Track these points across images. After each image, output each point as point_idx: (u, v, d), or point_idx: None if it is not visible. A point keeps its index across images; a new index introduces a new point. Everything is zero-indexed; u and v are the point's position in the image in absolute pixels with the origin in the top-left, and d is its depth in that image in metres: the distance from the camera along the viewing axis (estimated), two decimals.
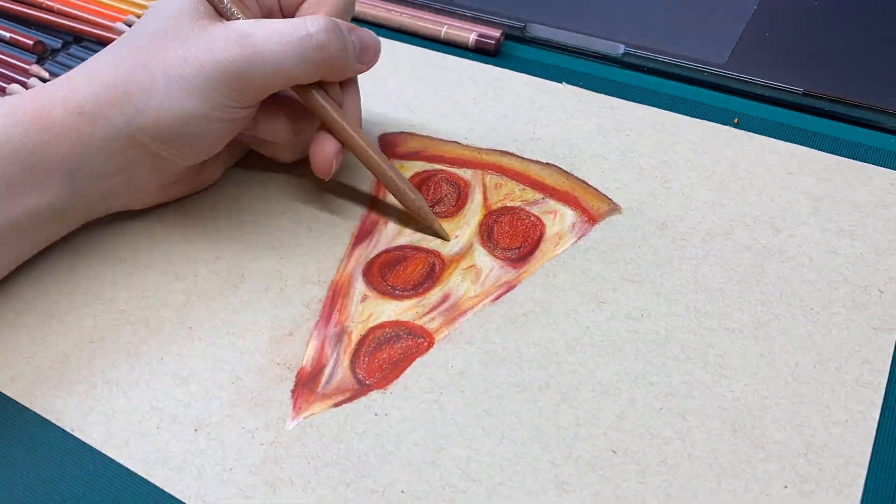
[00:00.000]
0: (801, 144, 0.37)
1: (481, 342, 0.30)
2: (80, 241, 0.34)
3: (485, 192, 0.36)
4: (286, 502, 0.26)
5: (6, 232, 0.30)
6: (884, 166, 0.36)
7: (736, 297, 0.31)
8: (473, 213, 0.35)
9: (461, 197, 0.36)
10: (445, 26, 0.45)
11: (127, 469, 0.27)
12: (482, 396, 0.28)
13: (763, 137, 0.38)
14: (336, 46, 0.30)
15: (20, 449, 0.28)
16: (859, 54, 0.42)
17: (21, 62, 0.44)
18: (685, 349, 0.29)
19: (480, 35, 0.44)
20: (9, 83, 0.42)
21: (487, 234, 0.34)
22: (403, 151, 0.38)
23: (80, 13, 0.46)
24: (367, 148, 0.33)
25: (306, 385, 0.29)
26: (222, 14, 0.31)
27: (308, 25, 0.30)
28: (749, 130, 0.38)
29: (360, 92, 0.35)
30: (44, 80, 0.43)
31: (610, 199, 0.35)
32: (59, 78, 0.31)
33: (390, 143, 0.39)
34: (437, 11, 0.47)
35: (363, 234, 0.35)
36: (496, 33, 0.44)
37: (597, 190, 0.36)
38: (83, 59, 0.44)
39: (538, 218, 0.35)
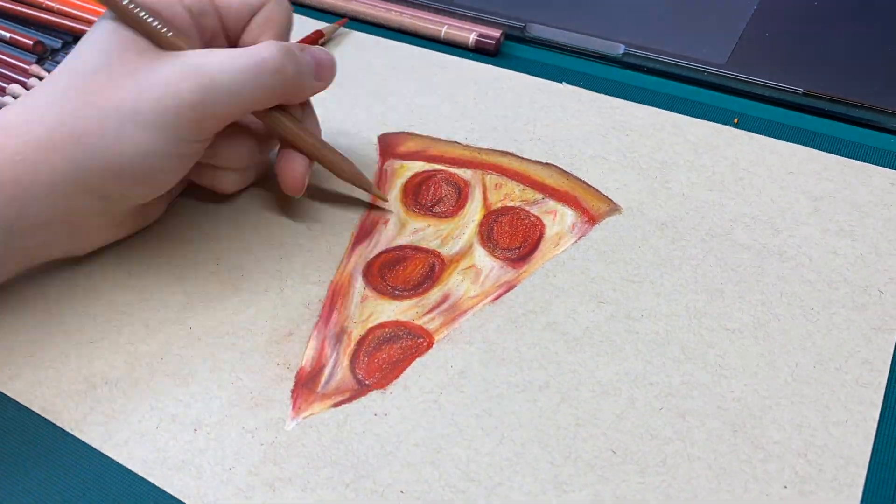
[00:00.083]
0: (801, 144, 0.37)
1: (481, 342, 0.30)
2: None
3: (485, 192, 0.36)
4: (286, 502, 0.26)
5: None
6: (884, 166, 0.36)
7: (736, 297, 0.31)
8: (473, 213, 0.35)
9: (461, 197, 0.36)
10: (445, 26, 0.45)
11: (127, 469, 0.27)
12: (482, 396, 0.28)
13: (763, 137, 0.38)
14: (292, 69, 0.30)
15: (20, 449, 0.28)
16: (859, 54, 0.42)
17: (21, 62, 0.44)
18: (685, 349, 0.29)
19: (480, 35, 0.44)
20: (9, 83, 0.42)
21: (487, 234, 0.34)
22: (403, 151, 0.38)
23: (79, 13, 0.46)
24: (337, 159, 0.34)
25: (306, 385, 0.29)
26: (165, 46, 0.30)
27: (261, 51, 0.29)
28: (749, 130, 0.38)
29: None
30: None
31: (610, 199, 0.35)
32: None
33: (390, 143, 0.39)
34: (437, 11, 0.47)
35: (363, 234, 0.35)
36: (496, 33, 0.44)
37: (597, 190, 0.36)
38: None
39: (538, 218, 0.35)
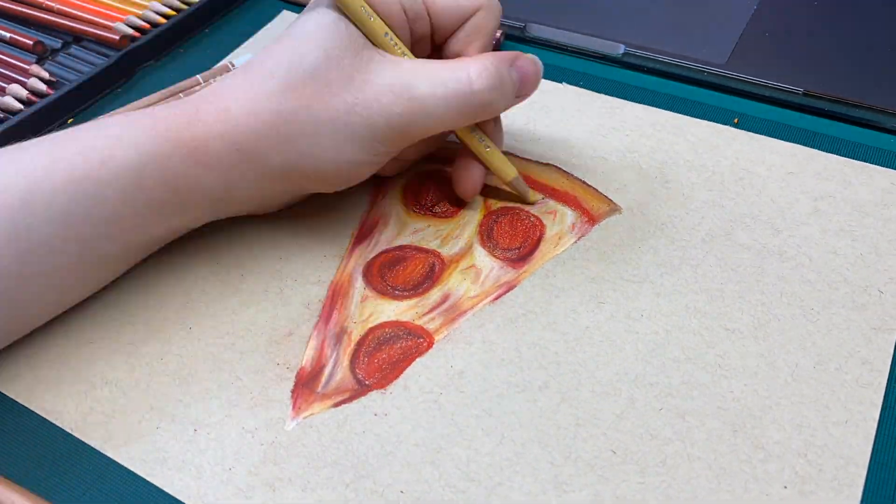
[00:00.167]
0: (801, 144, 0.37)
1: (481, 342, 0.30)
2: None
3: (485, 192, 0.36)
4: (286, 502, 0.26)
5: (145, 244, 0.32)
6: (884, 166, 0.36)
7: (736, 298, 0.31)
8: (473, 214, 0.35)
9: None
10: None
11: (127, 469, 0.27)
12: (482, 396, 0.28)
13: (763, 137, 0.38)
14: (499, 98, 0.31)
15: (20, 449, 0.28)
16: (859, 54, 0.42)
17: (21, 62, 0.44)
18: (685, 349, 0.29)
19: None
20: (9, 83, 0.42)
21: (487, 234, 0.34)
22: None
23: (80, 13, 0.46)
24: (512, 175, 0.34)
25: (306, 385, 0.29)
26: (379, 44, 0.30)
27: (473, 81, 0.30)
28: (749, 130, 0.38)
29: None
30: (43, 80, 0.43)
31: (610, 200, 0.35)
32: (211, 106, 0.30)
33: None
34: None
35: (363, 234, 0.35)
36: (496, 33, 0.44)
37: (597, 190, 0.36)
38: (83, 59, 0.44)
39: (538, 218, 0.35)
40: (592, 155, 0.37)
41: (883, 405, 0.27)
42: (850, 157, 0.36)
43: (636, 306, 0.31)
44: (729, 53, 0.42)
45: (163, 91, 0.41)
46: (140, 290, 0.33)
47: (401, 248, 0.34)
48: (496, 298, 0.32)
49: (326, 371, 0.29)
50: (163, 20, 0.46)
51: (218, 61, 0.44)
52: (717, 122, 0.39)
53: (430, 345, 0.30)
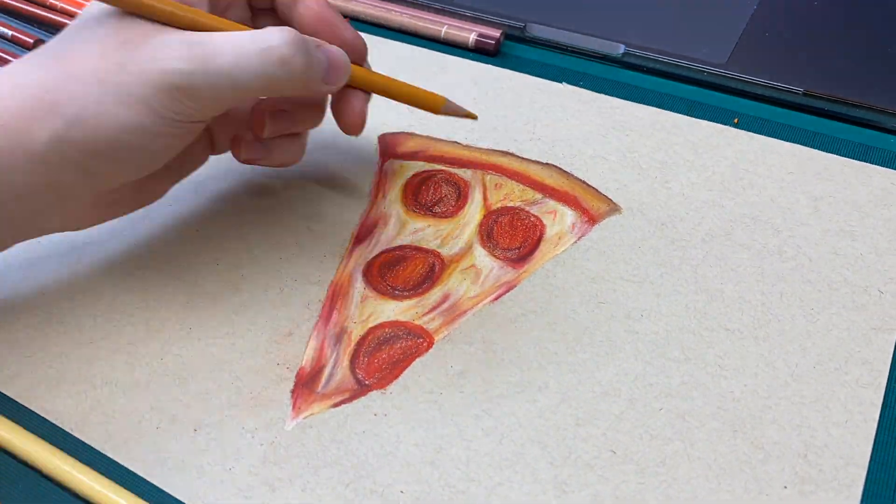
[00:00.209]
0: (801, 144, 0.37)
1: (481, 342, 0.30)
2: (79, 242, 0.34)
3: (485, 192, 0.36)
4: (286, 502, 0.26)
5: None
6: (884, 166, 0.36)
7: (736, 298, 0.31)
8: (473, 214, 0.35)
9: (461, 197, 0.36)
10: (445, 26, 0.45)
11: (127, 469, 0.27)
12: (482, 397, 0.28)
13: (763, 137, 0.38)
14: (300, 62, 0.28)
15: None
16: (859, 54, 0.42)
17: None
18: (685, 349, 0.29)
19: (480, 35, 0.44)
20: None
21: (487, 234, 0.34)
22: (403, 151, 0.38)
23: (80, 12, 0.46)
24: (396, 83, 0.33)
25: (306, 385, 0.29)
26: (175, 23, 0.28)
27: (270, 38, 0.27)
28: (749, 130, 0.38)
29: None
30: None
31: (610, 200, 0.35)
32: None
33: (390, 144, 0.39)
34: (437, 11, 0.47)
35: (363, 234, 0.35)
36: (496, 33, 0.44)
37: (597, 190, 0.36)
38: None
39: (538, 218, 0.35)
40: (592, 155, 0.37)
41: (883, 405, 0.27)
42: (850, 157, 0.36)
43: (636, 306, 0.31)
44: (729, 53, 0.42)
45: None
46: (140, 290, 0.33)
47: (401, 248, 0.34)
48: (496, 298, 0.32)
49: (326, 371, 0.29)
50: None
51: None
52: (717, 122, 0.39)
53: (430, 345, 0.30)
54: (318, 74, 0.29)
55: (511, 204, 0.35)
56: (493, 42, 0.44)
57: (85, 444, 0.28)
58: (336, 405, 0.28)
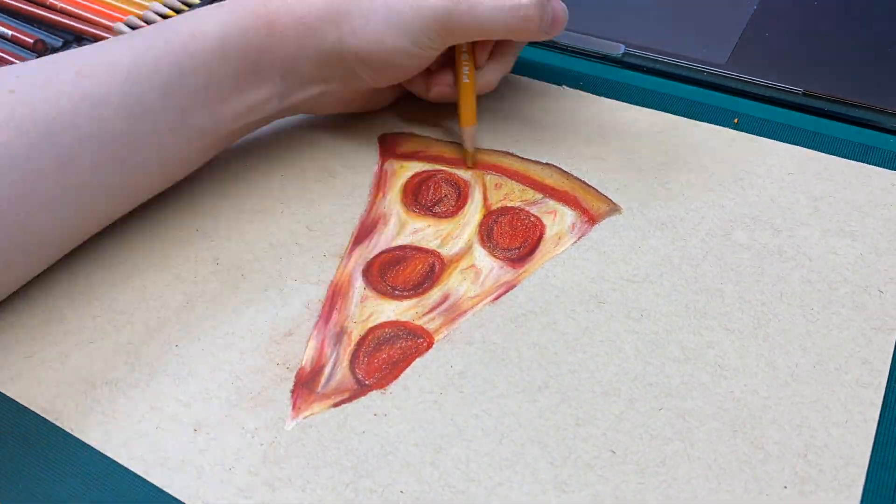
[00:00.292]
0: (801, 145, 0.37)
1: (481, 342, 0.30)
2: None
3: (485, 192, 0.36)
4: (285, 502, 0.26)
5: (232, 123, 0.35)
6: (884, 166, 0.36)
7: (736, 298, 0.31)
8: (473, 214, 0.35)
9: (461, 197, 0.36)
10: None
11: (127, 469, 0.27)
12: (482, 397, 0.28)
13: (763, 138, 0.38)
14: (537, 19, 0.34)
15: (20, 449, 0.28)
16: (859, 54, 0.42)
17: (20, 60, 0.44)
18: (685, 349, 0.29)
19: None
20: None
21: (487, 234, 0.34)
22: (403, 151, 0.38)
23: (82, 12, 0.46)
24: (469, 124, 0.37)
25: (306, 385, 0.29)
26: None
27: None
28: (749, 131, 0.38)
29: None
30: None
31: (610, 200, 0.35)
32: None
33: (390, 144, 0.39)
34: None
35: (363, 234, 0.35)
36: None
37: (597, 190, 0.36)
38: None
39: (538, 218, 0.35)
40: (592, 155, 0.37)
41: (883, 405, 0.27)
42: (850, 158, 0.36)
43: (636, 306, 0.31)
44: (729, 53, 0.42)
45: None
46: (140, 290, 0.33)
47: (401, 248, 0.34)
48: (496, 298, 0.32)
49: (326, 371, 0.29)
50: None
51: None
52: (717, 122, 0.39)
53: (429, 345, 0.30)
54: (545, 27, 0.35)
55: (511, 204, 0.35)
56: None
57: (85, 444, 0.28)
58: (336, 405, 0.28)
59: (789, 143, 0.37)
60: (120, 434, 0.28)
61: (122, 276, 0.33)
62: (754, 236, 0.33)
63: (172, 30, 0.33)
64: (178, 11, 0.47)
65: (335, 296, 0.32)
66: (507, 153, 0.38)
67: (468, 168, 0.37)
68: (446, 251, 0.34)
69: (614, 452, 0.27)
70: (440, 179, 0.37)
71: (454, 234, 0.34)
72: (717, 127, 0.38)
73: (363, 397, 0.29)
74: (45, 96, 0.30)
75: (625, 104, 0.40)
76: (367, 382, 0.29)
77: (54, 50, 0.45)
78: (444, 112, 0.40)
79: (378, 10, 0.33)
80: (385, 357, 0.30)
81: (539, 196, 0.36)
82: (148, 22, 0.46)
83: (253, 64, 0.34)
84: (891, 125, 0.38)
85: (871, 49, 0.42)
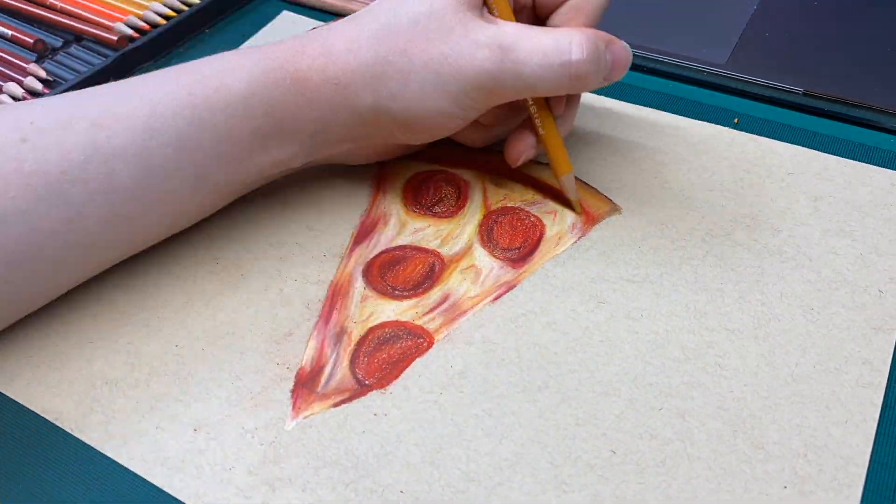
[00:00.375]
0: (801, 144, 0.37)
1: (481, 342, 0.30)
2: None
3: (484, 193, 0.36)
4: (285, 502, 0.26)
5: (251, 178, 0.33)
6: (884, 166, 0.36)
7: (736, 297, 0.31)
8: (473, 214, 0.35)
9: (461, 197, 0.36)
10: None
11: (127, 469, 0.27)
12: (482, 397, 0.28)
13: (763, 138, 0.38)
14: (593, 74, 0.31)
15: (20, 449, 0.28)
16: (859, 54, 0.42)
17: (20, 60, 0.44)
18: (685, 349, 0.29)
19: None
20: (6, 81, 0.42)
21: (487, 234, 0.34)
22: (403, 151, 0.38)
23: (82, 12, 0.46)
24: (565, 171, 0.34)
25: (306, 385, 0.29)
26: (487, 4, 0.32)
27: (572, 50, 0.30)
28: (749, 131, 0.38)
29: None
30: (41, 80, 0.43)
31: (610, 200, 0.35)
32: (317, 42, 0.32)
33: None
34: None
35: (363, 234, 0.35)
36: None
37: (597, 190, 0.36)
38: (82, 59, 0.44)
39: (538, 218, 0.35)
40: (592, 155, 0.37)
41: (883, 405, 0.27)
42: (850, 157, 0.36)
43: (636, 306, 0.31)
44: (729, 53, 0.42)
45: None
46: (140, 290, 0.33)
47: (401, 247, 0.34)
48: (496, 298, 0.32)
49: (326, 371, 0.29)
50: (163, 21, 0.46)
51: None
52: (717, 122, 0.39)
53: (429, 345, 0.30)
54: (601, 77, 0.32)
55: (511, 204, 0.35)
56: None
57: (85, 444, 0.28)
58: (336, 405, 0.28)
59: (789, 143, 0.37)
60: (120, 434, 0.28)
61: (122, 275, 0.33)
62: (754, 236, 0.33)
63: (196, 79, 0.31)
64: (178, 11, 0.47)
65: (335, 296, 0.32)
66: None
67: (577, 214, 0.35)
68: (446, 251, 0.34)
69: (614, 452, 0.27)
70: (440, 179, 0.37)
71: (454, 234, 0.34)
72: (717, 127, 0.38)
73: (363, 397, 0.29)
74: (57, 148, 0.29)
75: (625, 104, 0.40)
76: (367, 382, 0.29)
77: (54, 50, 0.45)
78: None
79: (417, 70, 0.30)
80: (385, 357, 0.30)
81: (539, 196, 0.36)
82: (148, 22, 0.46)
83: (278, 122, 0.32)
84: (891, 125, 0.38)
85: (871, 49, 0.42)
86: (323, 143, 0.33)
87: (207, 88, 0.31)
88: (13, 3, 0.47)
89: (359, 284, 0.32)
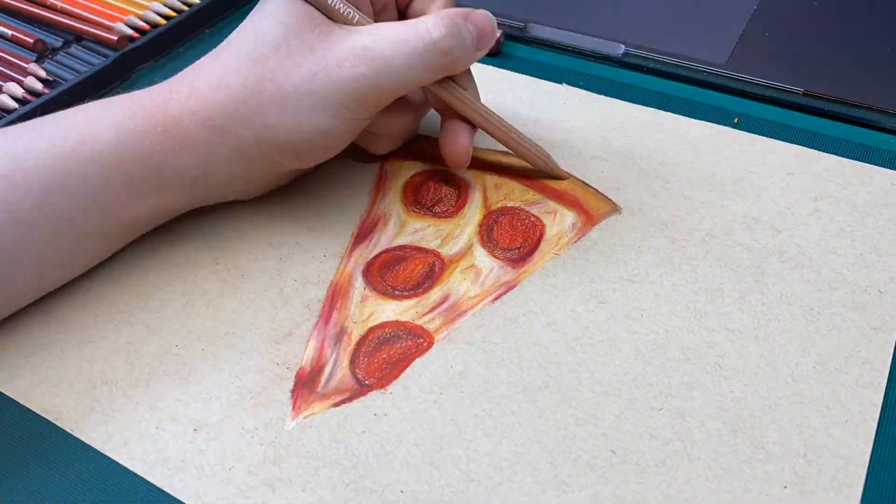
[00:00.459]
0: (801, 144, 0.37)
1: (481, 342, 0.30)
2: None
3: (484, 193, 0.36)
4: (285, 502, 0.26)
5: (129, 224, 0.32)
6: (884, 166, 0.36)
7: (736, 298, 0.31)
8: (473, 214, 0.35)
9: (461, 197, 0.36)
10: None
11: (127, 469, 0.27)
12: (482, 397, 0.28)
13: (763, 138, 0.38)
14: (458, 47, 0.31)
15: (20, 449, 0.28)
16: (859, 54, 0.42)
17: (20, 60, 0.44)
18: (685, 349, 0.29)
19: None
20: (6, 81, 0.42)
21: (487, 234, 0.34)
22: (403, 151, 0.38)
23: (82, 12, 0.46)
24: (501, 127, 0.35)
25: (306, 385, 0.29)
26: (337, 18, 0.31)
27: (431, 31, 0.30)
28: (749, 130, 0.38)
29: None
30: (41, 80, 0.43)
31: (610, 200, 0.35)
32: (184, 84, 0.31)
33: None
34: None
35: (363, 234, 0.35)
36: (496, 33, 0.44)
37: (597, 190, 0.36)
38: (82, 59, 0.44)
39: (538, 218, 0.35)
40: (592, 155, 0.37)
41: (883, 405, 0.27)
42: (850, 157, 0.36)
43: (636, 306, 0.31)
44: (729, 53, 0.42)
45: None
46: (140, 291, 0.33)
47: (401, 247, 0.34)
48: (496, 298, 0.32)
49: (326, 371, 0.29)
50: (163, 21, 0.46)
51: None
52: (717, 122, 0.39)
53: (429, 345, 0.30)
54: (472, 49, 0.32)
55: (511, 204, 0.35)
56: (494, 41, 0.44)
57: (85, 444, 0.28)
58: (336, 405, 0.28)
59: (789, 142, 0.37)
60: (120, 434, 0.28)
61: (122, 275, 0.33)
62: (754, 236, 0.33)
63: (60, 129, 0.30)
64: (178, 11, 0.47)
65: (335, 296, 0.32)
66: (507, 153, 0.38)
67: (564, 178, 0.36)
68: (446, 251, 0.34)
69: (614, 452, 0.27)
70: (440, 179, 0.37)
71: (454, 234, 0.34)
72: (718, 127, 0.38)
73: (363, 397, 0.29)
74: None
75: (625, 103, 0.40)
76: (367, 382, 0.29)
77: (54, 50, 0.45)
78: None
79: (290, 95, 0.30)
80: (385, 357, 0.30)
81: (539, 196, 0.36)
82: (148, 22, 0.46)
83: (154, 171, 0.30)
84: (891, 125, 0.38)
85: (871, 49, 0.42)
86: (208, 187, 0.32)
87: (72, 139, 0.29)
88: (13, 3, 0.47)
89: (359, 284, 0.32)
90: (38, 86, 0.42)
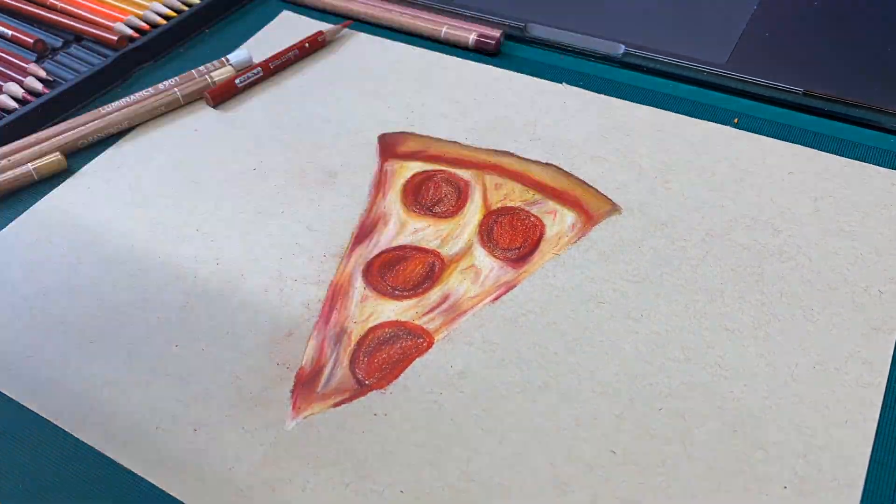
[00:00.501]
0: (801, 144, 0.37)
1: (481, 342, 0.30)
2: (79, 242, 0.34)
3: (485, 193, 0.36)
4: (285, 502, 0.26)
5: None
6: (884, 166, 0.36)
7: (736, 297, 0.31)
8: (473, 214, 0.35)
9: (461, 197, 0.36)
10: (445, 26, 0.45)
11: (127, 469, 0.27)
12: (482, 397, 0.28)
13: (763, 137, 0.38)
14: None
15: (20, 449, 0.28)
16: (859, 54, 0.42)
17: (20, 60, 0.44)
18: (685, 349, 0.29)
19: (480, 35, 0.44)
20: (6, 81, 0.42)
21: (487, 234, 0.34)
22: (403, 151, 0.38)
23: (83, 12, 0.46)
24: None
25: (306, 385, 0.29)
26: None
27: None
28: (749, 130, 0.38)
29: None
30: (41, 80, 0.43)
31: (610, 200, 0.35)
32: None
33: (390, 144, 0.39)
34: (437, 11, 0.47)
35: (363, 234, 0.35)
36: (496, 33, 0.44)
37: (597, 190, 0.36)
38: (82, 59, 0.44)
39: (538, 218, 0.35)
40: (592, 155, 0.37)
41: (883, 405, 0.27)
42: (850, 157, 0.36)
43: (636, 306, 0.31)
44: (729, 53, 0.42)
45: (157, 86, 0.42)
46: (140, 291, 0.33)
47: (401, 248, 0.34)
48: (496, 298, 0.32)
49: (326, 371, 0.29)
50: (163, 21, 0.46)
51: None
52: (717, 122, 0.39)
53: (429, 345, 0.30)
54: None
55: (511, 204, 0.35)
56: (494, 42, 0.44)
57: (85, 444, 0.28)
58: (336, 405, 0.28)
59: (789, 142, 0.37)
60: (120, 434, 0.28)
61: (122, 275, 0.33)
62: (754, 236, 0.33)
63: None
64: (178, 11, 0.47)
65: (335, 296, 0.32)
66: (507, 153, 0.38)
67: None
68: (446, 251, 0.34)
69: (614, 452, 0.27)
70: (440, 179, 0.37)
71: (454, 234, 0.34)
72: (718, 126, 0.38)
73: (363, 397, 0.29)
74: None
75: (625, 103, 0.40)
76: (367, 382, 0.29)
77: (54, 50, 0.45)
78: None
79: None
80: (385, 357, 0.30)
81: (539, 196, 0.36)
82: (148, 22, 0.46)
83: None
84: (891, 125, 0.38)
85: (871, 49, 0.42)
86: None
87: None
88: (13, 3, 0.47)
89: (359, 284, 0.32)
90: (38, 86, 0.42)
